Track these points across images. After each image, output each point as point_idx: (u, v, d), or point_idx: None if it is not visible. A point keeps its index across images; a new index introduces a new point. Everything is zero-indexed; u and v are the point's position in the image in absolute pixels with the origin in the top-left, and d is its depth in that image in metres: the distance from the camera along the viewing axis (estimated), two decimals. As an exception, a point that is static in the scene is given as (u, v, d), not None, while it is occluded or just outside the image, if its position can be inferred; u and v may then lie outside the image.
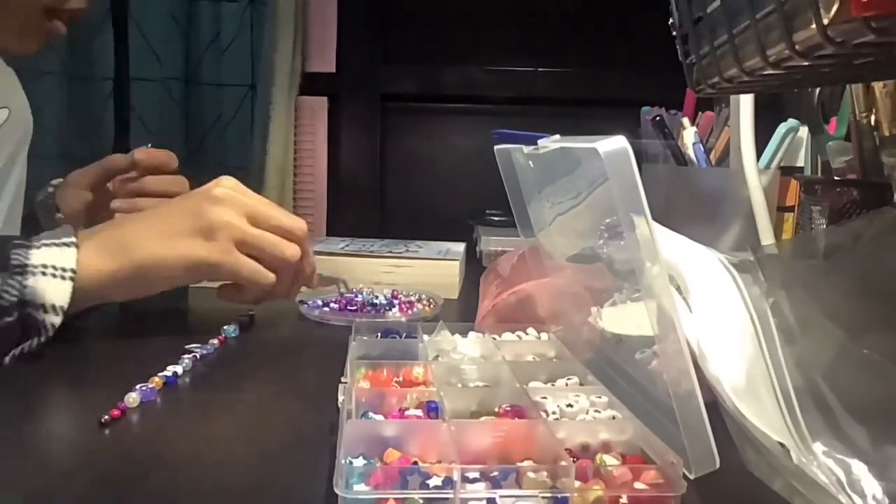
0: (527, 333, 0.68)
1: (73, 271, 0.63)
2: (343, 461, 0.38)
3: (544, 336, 0.68)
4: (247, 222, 0.69)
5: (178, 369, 0.60)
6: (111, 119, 1.44)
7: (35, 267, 0.62)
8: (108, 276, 0.66)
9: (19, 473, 0.42)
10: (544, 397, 0.50)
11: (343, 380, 0.52)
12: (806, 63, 0.38)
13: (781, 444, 0.39)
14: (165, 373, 0.59)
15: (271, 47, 1.43)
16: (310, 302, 0.87)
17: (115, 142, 1.45)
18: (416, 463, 0.39)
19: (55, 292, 0.62)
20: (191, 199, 0.70)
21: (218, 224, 0.67)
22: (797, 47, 0.36)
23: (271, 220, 0.70)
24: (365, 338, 0.63)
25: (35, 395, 0.56)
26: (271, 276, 0.71)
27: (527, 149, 0.58)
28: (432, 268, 1.00)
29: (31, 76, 1.40)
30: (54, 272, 0.63)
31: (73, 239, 0.65)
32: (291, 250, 0.71)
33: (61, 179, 0.92)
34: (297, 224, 0.73)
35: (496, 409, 0.48)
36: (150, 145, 0.95)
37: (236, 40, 1.46)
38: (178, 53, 1.45)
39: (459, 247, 1.11)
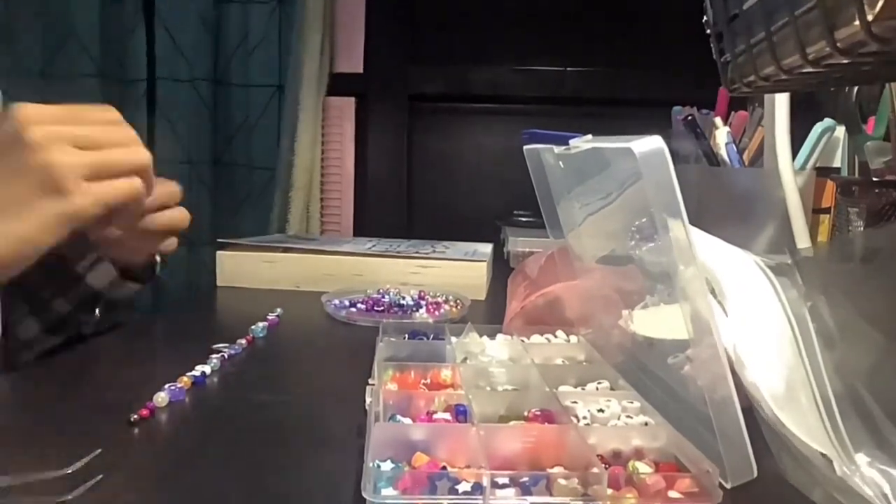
0: (556, 336, 0.67)
1: None
2: (371, 465, 0.38)
3: (573, 339, 0.67)
4: (78, 150, 0.59)
5: (207, 369, 0.61)
6: (145, 120, 1.45)
7: None
8: None
9: (50, 469, 0.42)
10: (574, 402, 0.49)
11: (370, 381, 0.52)
12: (846, 61, 0.37)
13: (822, 454, 0.38)
14: (194, 372, 0.59)
15: (299, 48, 1.43)
16: (336, 302, 0.87)
17: (148, 142, 1.46)
18: (444, 467, 0.38)
19: None
20: (12, 156, 0.58)
21: (58, 173, 0.57)
22: (839, 45, 0.35)
23: (100, 137, 0.61)
24: (392, 339, 0.63)
25: (65, 394, 0.57)
26: (136, 182, 0.62)
27: (557, 149, 0.57)
28: (460, 269, 1.00)
29: (66, 78, 1.42)
30: None
31: None
32: (139, 154, 0.63)
33: None
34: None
35: (525, 414, 0.48)
36: None
37: (264, 41, 1.46)
38: (206, 54, 1.47)
39: (487, 247, 1.11)
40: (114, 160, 0.61)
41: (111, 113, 0.64)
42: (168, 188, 0.72)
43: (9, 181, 0.57)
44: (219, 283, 1.00)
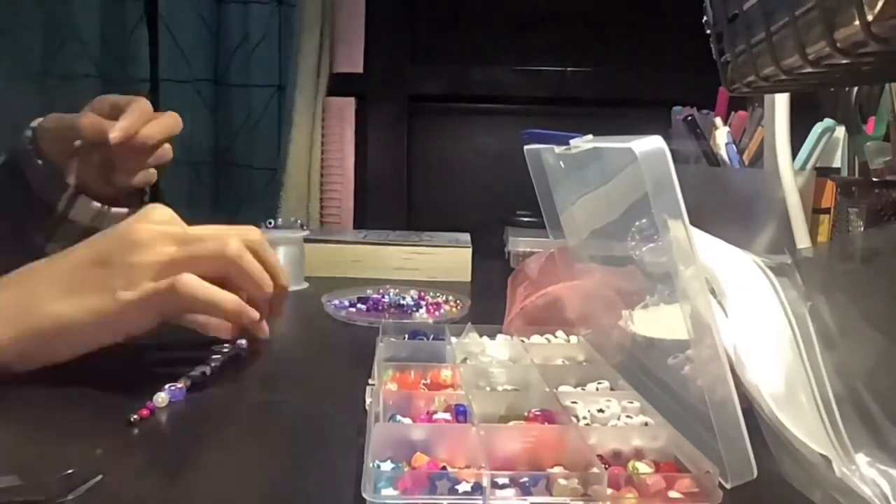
0: (555, 336, 0.67)
1: None
2: (371, 465, 0.38)
3: (573, 339, 0.67)
4: (174, 249, 0.57)
5: (207, 369, 0.60)
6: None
7: None
8: (3, 347, 0.54)
9: (50, 469, 0.42)
10: (574, 402, 0.49)
11: (370, 381, 0.52)
12: (846, 61, 0.37)
13: (822, 455, 0.38)
14: (194, 373, 0.59)
15: (299, 48, 1.43)
16: (336, 302, 0.87)
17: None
18: (444, 468, 0.38)
19: None
20: (104, 241, 0.58)
21: (135, 266, 0.55)
22: (839, 45, 0.35)
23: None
24: (392, 339, 0.63)
25: (65, 394, 0.57)
26: (228, 297, 0.58)
27: (558, 149, 0.57)
28: (448, 254, 1.11)
29: (66, 78, 1.42)
30: None
31: None
32: (236, 249, 0.58)
33: (42, 119, 0.81)
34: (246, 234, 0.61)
35: (525, 414, 0.48)
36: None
37: (264, 41, 1.46)
38: (207, 55, 1.46)
39: (465, 236, 1.22)
40: (206, 253, 0.58)
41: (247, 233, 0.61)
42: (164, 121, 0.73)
43: (89, 268, 0.56)
44: None
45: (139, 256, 0.55)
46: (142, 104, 0.73)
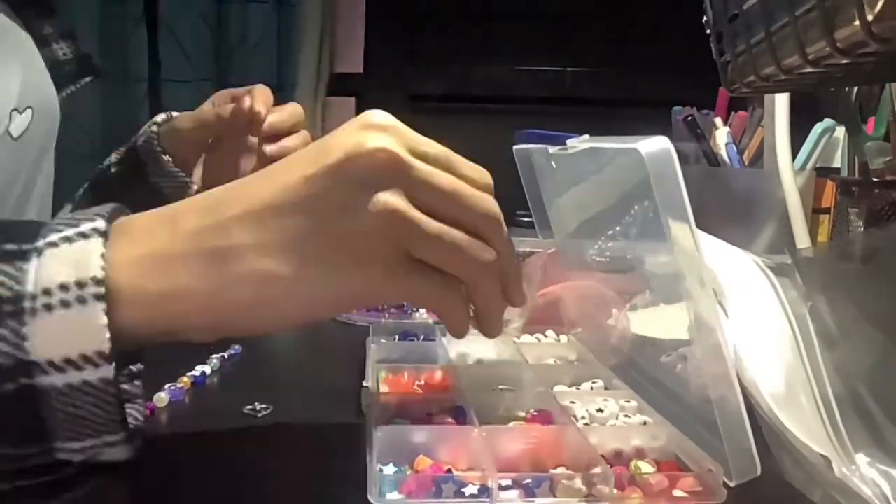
0: (546, 336, 0.68)
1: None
2: (376, 469, 0.38)
3: (563, 338, 0.67)
4: (416, 210, 0.38)
5: (207, 369, 0.60)
6: (146, 120, 1.45)
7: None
8: (180, 310, 0.39)
9: (50, 469, 0.42)
10: (572, 402, 0.49)
11: (364, 384, 0.52)
12: (846, 61, 0.37)
13: (822, 455, 0.38)
14: (194, 373, 0.59)
15: (298, 48, 1.43)
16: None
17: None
18: (449, 470, 0.38)
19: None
20: (326, 156, 0.38)
21: (378, 239, 0.38)
22: (839, 45, 0.35)
23: (459, 194, 0.41)
24: (383, 340, 0.63)
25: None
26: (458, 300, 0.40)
27: (552, 149, 0.57)
28: None
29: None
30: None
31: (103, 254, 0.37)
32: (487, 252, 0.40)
33: (165, 116, 0.80)
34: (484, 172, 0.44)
35: (523, 414, 0.48)
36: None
37: (264, 41, 1.46)
38: (207, 55, 1.47)
39: None
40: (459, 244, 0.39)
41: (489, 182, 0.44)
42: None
43: (321, 229, 0.38)
44: None
45: (377, 222, 0.37)
46: (265, 92, 0.69)
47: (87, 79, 0.79)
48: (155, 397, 0.53)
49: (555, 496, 0.37)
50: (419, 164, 0.39)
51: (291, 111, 0.72)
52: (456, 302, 0.40)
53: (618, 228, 0.52)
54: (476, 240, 0.40)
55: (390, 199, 0.37)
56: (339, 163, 0.37)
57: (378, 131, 0.39)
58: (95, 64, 0.80)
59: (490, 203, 0.41)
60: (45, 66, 0.78)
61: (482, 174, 0.44)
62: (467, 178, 0.42)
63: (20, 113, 0.68)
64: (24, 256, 0.36)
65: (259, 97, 0.70)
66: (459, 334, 0.41)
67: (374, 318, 0.81)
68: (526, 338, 0.67)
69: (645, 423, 0.46)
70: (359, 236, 0.37)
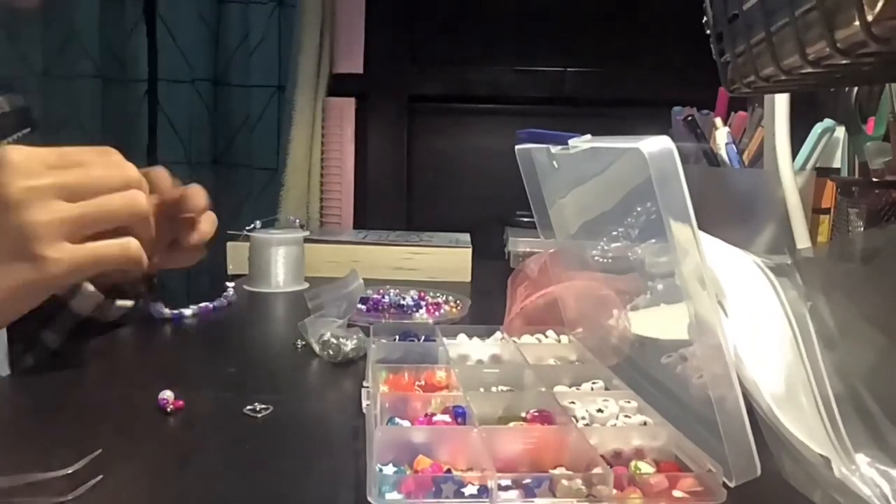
0: (546, 336, 0.67)
1: None
2: (375, 469, 0.37)
3: (563, 339, 0.67)
4: (62, 201, 0.51)
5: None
6: (145, 120, 1.45)
7: None
8: None
9: (50, 469, 0.42)
10: (572, 402, 0.49)
11: (365, 384, 0.52)
12: (846, 61, 0.37)
13: (822, 455, 0.38)
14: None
15: (299, 48, 1.43)
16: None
17: (149, 143, 1.47)
18: (448, 471, 0.38)
19: None
20: None
21: (32, 234, 0.50)
22: (839, 45, 0.35)
23: (91, 181, 0.53)
24: (384, 341, 0.63)
25: (65, 395, 0.57)
26: (132, 243, 0.54)
27: (554, 149, 0.57)
28: (448, 255, 1.12)
29: (66, 78, 1.42)
30: None
31: None
32: (135, 200, 0.54)
33: None
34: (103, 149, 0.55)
35: (523, 415, 0.48)
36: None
37: (264, 41, 1.46)
38: (207, 55, 1.46)
39: (465, 236, 1.22)
40: (103, 210, 0.53)
41: (110, 155, 0.55)
42: (192, 196, 0.63)
43: None
44: (230, 272, 1.13)
45: (26, 219, 0.49)
46: (162, 172, 0.65)
47: (26, 130, 0.79)
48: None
49: (555, 496, 0.37)
50: (51, 180, 0.51)
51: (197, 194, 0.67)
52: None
53: (619, 229, 0.52)
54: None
55: (38, 215, 0.50)
56: None
57: (13, 168, 0.50)
58: (33, 116, 0.80)
59: (115, 167, 0.54)
60: None
61: (101, 151, 0.54)
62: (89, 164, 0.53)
63: None
64: None
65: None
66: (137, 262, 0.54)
67: (374, 318, 0.81)
68: (526, 338, 0.67)
69: (645, 424, 0.46)
70: (25, 245, 0.50)
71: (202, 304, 0.86)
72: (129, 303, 0.74)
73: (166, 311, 0.82)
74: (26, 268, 0.50)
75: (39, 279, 0.51)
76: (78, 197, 0.52)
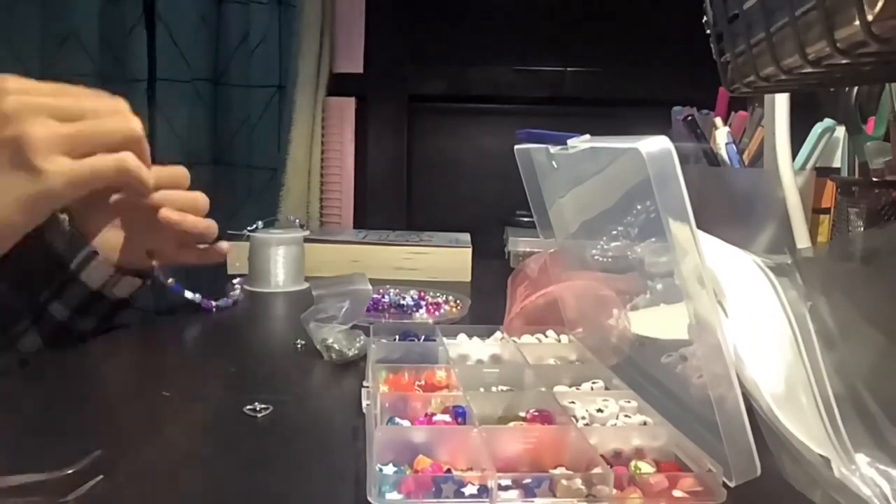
0: (546, 336, 0.68)
1: None
2: (375, 469, 0.37)
3: (563, 339, 0.67)
4: (56, 122, 0.54)
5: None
6: (146, 120, 1.45)
7: None
8: None
9: (50, 469, 0.42)
10: (572, 402, 0.49)
11: (365, 384, 0.52)
12: (846, 61, 0.37)
13: (822, 456, 0.38)
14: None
15: (299, 48, 1.43)
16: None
17: (148, 142, 1.46)
18: (449, 470, 0.38)
19: None
20: None
21: (28, 146, 0.52)
22: (839, 45, 0.35)
23: (84, 107, 0.56)
24: (384, 340, 0.63)
25: (65, 394, 0.57)
26: (128, 157, 0.57)
27: (553, 149, 0.57)
28: (448, 255, 1.12)
29: (65, 78, 1.42)
30: None
31: None
32: (128, 122, 0.57)
33: None
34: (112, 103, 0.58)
35: (523, 414, 0.48)
36: None
37: (265, 41, 1.46)
38: (206, 54, 1.46)
39: (465, 236, 1.22)
40: (96, 130, 0.55)
41: (99, 93, 0.58)
42: (172, 171, 0.69)
43: None
44: (229, 271, 1.12)
45: (19, 131, 0.52)
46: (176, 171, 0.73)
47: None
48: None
49: (554, 496, 0.37)
50: (48, 100, 0.54)
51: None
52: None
53: (618, 228, 0.52)
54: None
55: (35, 128, 0.52)
56: None
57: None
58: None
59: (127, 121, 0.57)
60: None
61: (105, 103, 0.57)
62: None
63: None
64: None
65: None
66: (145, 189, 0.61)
67: (374, 318, 0.81)
68: (526, 338, 0.67)
69: (645, 424, 0.46)
70: (23, 158, 0.52)
71: (212, 300, 0.86)
72: (138, 280, 0.74)
73: (194, 295, 0.82)
74: (25, 180, 0.52)
75: (39, 191, 0.52)
76: (69, 120, 0.54)
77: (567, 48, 1.53)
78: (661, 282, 0.47)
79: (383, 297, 0.90)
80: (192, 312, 0.82)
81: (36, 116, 0.52)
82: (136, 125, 0.57)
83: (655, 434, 0.44)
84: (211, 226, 0.70)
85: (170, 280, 0.78)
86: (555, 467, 0.40)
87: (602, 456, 0.41)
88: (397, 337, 0.65)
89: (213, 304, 0.84)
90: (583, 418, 0.47)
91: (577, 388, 0.54)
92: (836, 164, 0.91)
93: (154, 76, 1.45)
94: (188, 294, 0.81)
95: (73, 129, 0.54)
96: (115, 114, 0.57)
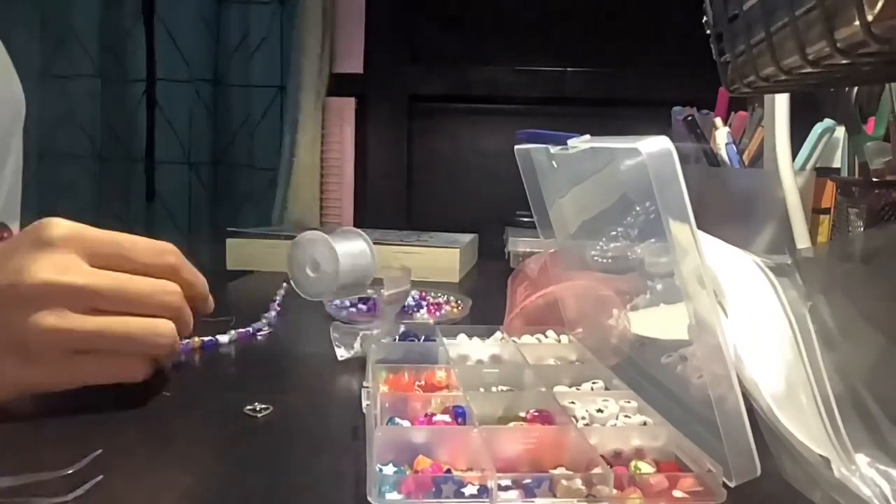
0: (546, 336, 0.68)
1: None
2: (375, 469, 0.37)
3: (563, 339, 0.67)
4: (68, 285, 0.46)
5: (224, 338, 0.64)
6: (144, 120, 1.46)
7: None
8: None
9: (50, 469, 0.42)
10: (572, 402, 0.49)
11: (365, 384, 0.52)
12: (846, 61, 0.37)
13: (822, 456, 0.38)
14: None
15: (299, 48, 1.43)
16: (337, 302, 0.87)
17: (147, 143, 1.47)
18: (449, 471, 0.38)
19: None
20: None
21: (37, 338, 0.46)
22: (839, 45, 0.35)
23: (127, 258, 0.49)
24: (383, 340, 0.63)
25: (65, 394, 0.56)
26: (139, 372, 0.51)
27: (553, 149, 0.57)
28: (436, 254, 1.13)
29: (65, 78, 1.42)
30: None
31: None
32: (161, 331, 0.50)
33: None
34: (161, 248, 0.51)
35: (523, 415, 0.48)
36: None
37: (265, 41, 1.46)
38: (206, 55, 1.46)
39: (467, 237, 1.22)
40: (119, 336, 0.48)
41: (167, 259, 0.51)
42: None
43: None
44: (228, 267, 1.15)
45: (35, 323, 0.45)
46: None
47: None
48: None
49: (554, 496, 0.37)
50: (80, 282, 0.46)
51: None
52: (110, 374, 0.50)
53: (619, 228, 0.52)
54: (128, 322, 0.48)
55: (47, 320, 0.45)
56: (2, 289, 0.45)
57: (47, 251, 0.46)
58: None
59: (159, 289, 0.49)
60: (6, 53, 0.77)
61: (158, 251, 0.51)
62: (143, 264, 0.49)
63: None
64: None
65: None
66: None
67: (374, 318, 0.81)
68: (526, 338, 0.67)
69: (645, 424, 0.46)
70: (23, 344, 0.46)
71: (240, 330, 0.74)
72: None
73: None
74: (20, 367, 0.47)
75: (33, 383, 0.48)
76: (103, 307, 0.47)
77: (567, 48, 1.53)
78: (661, 282, 0.47)
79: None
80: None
81: (57, 307, 0.46)
82: (168, 338, 0.50)
83: (655, 434, 0.44)
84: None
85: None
86: (555, 467, 0.40)
87: (602, 456, 0.41)
88: (397, 337, 0.65)
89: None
90: (583, 418, 0.47)
91: (577, 389, 0.54)
92: (836, 164, 0.91)
93: (154, 76, 1.45)
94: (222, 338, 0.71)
95: (93, 328, 0.47)
96: (160, 312, 0.50)
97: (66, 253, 0.46)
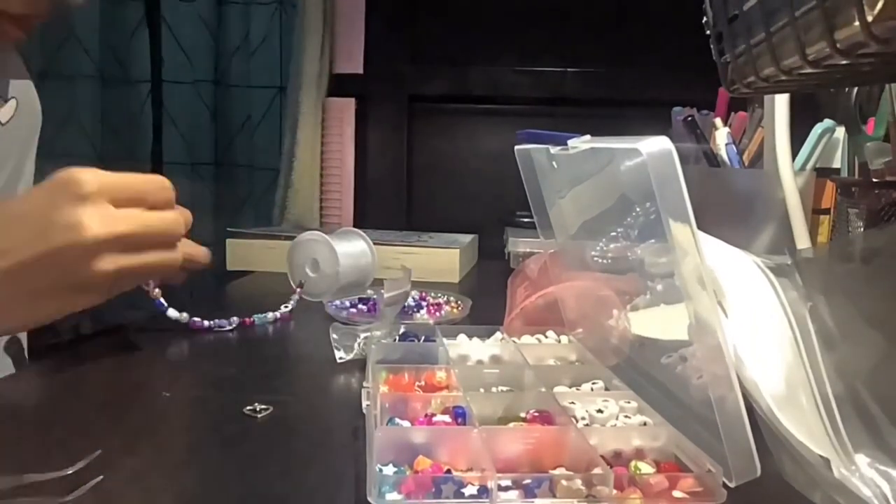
0: (546, 336, 0.68)
1: None
2: (376, 469, 0.37)
3: (563, 339, 0.67)
4: (118, 235, 0.54)
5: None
6: (148, 121, 1.46)
7: None
8: None
9: (50, 469, 0.42)
10: (572, 402, 0.49)
11: (365, 384, 0.52)
12: (846, 62, 0.37)
13: (822, 456, 0.38)
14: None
15: (300, 49, 1.43)
16: (337, 303, 0.87)
17: (154, 144, 1.47)
18: (449, 471, 0.38)
19: None
20: (51, 239, 0.53)
21: (93, 277, 0.54)
22: (838, 45, 0.35)
23: (138, 198, 0.57)
24: (384, 341, 0.63)
25: (65, 394, 0.57)
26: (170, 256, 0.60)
27: (553, 149, 0.57)
28: (436, 255, 1.13)
29: (66, 79, 1.42)
30: None
31: None
32: (174, 260, 0.61)
33: None
34: (161, 183, 0.60)
35: (523, 415, 0.48)
36: None
37: (266, 42, 1.46)
38: (208, 55, 1.46)
39: (467, 238, 1.22)
40: (145, 267, 0.57)
41: (167, 193, 0.60)
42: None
43: (42, 274, 0.53)
44: (228, 268, 1.16)
45: (92, 264, 0.53)
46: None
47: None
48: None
49: (554, 496, 0.37)
50: (124, 230, 0.55)
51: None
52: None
53: (619, 229, 0.52)
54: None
55: (107, 265, 0.54)
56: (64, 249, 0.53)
57: (87, 206, 0.53)
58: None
59: (165, 219, 0.59)
60: (23, 63, 0.78)
61: (160, 186, 0.59)
62: (153, 199, 0.58)
63: (6, 101, 0.73)
64: None
65: None
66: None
67: (373, 318, 0.81)
68: (526, 338, 0.67)
69: (645, 424, 0.46)
70: (85, 284, 0.54)
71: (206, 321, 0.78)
72: None
73: (180, 314, 0.76)
74: (80, 299, 0.55)
75: (87, 305, 0.56)
76: (132, 247, 0.56)
77: (567, 48, 1.53)
78: (661, 282, 0.47)
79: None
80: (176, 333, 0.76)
81: (110, 254, 0.54)
82: (177, 262, 0.61)
83: (655, 434, 0.44)
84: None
85: (156, 291, 0.74)
86: (555, 468, 0.40)
87: (602, 456, 0.41)
88: (397, 337, 0.65)
89: (207, 324, 0.78)
90: (583, 419, 0.47)
91: (577, 389, 0.54)
92: (836, 164, 0.91)
93: (159, 78, 1.45)
94: (172, 313, 0.76)
95: (130, 264, 0.56)
96: (172, 241, 0.60)
97: (102, 204, 0.54)
